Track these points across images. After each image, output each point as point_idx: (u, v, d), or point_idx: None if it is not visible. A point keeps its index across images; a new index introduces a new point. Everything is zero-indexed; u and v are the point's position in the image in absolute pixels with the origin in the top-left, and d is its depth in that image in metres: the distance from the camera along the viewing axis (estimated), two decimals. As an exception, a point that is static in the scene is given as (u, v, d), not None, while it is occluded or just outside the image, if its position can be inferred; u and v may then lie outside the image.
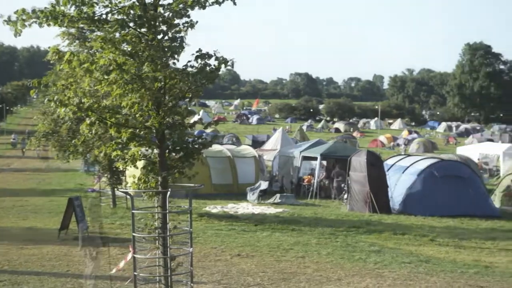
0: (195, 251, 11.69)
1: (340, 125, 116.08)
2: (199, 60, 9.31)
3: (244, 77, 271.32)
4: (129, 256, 9.87)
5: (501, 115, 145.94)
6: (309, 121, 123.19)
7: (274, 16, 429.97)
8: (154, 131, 9.26)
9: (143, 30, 9.08)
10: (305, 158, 30.65)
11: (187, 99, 9.72)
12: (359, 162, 23.90)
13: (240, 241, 16.51)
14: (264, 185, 27.65)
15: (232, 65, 9.31)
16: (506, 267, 14.16)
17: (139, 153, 9.58)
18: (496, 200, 25.68)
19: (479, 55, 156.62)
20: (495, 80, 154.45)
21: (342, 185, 26.59)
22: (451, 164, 26.24)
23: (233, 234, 17.76)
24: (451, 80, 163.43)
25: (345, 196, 25.18)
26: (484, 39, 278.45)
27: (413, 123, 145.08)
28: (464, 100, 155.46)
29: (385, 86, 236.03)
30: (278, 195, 26.36)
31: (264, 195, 27.00)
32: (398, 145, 72.72)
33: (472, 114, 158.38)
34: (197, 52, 9.30)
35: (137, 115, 9.19)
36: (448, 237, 18.17)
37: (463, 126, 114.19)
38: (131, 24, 9.00)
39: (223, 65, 9.22)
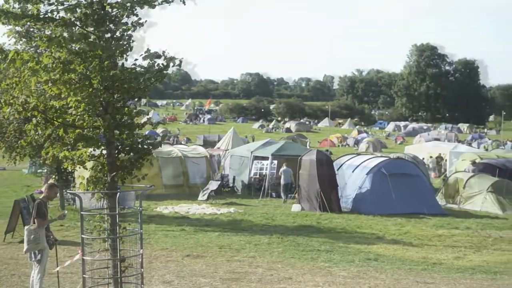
0: (145, 253, 11.56)
1: (292, 125, 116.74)
2: (147, 60, 9.21)
3: (195, 77, 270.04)
4: (77, 257, 9.69)
5: (447, 114, 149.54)
6: (261, 121, 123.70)
7: (226, 16, 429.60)
8: (102, 131, 9.12)
9: (90, 28, 8.92)
10: (256, 158, 30.70)
11: (136, 99, 9.61)
12: (309, 161, 24.08)
13: (191, 242, 16.43)
14: (215, 185, 27.57)
15: (180, 65, 9.25)
16: (452, 263, 14.48)
17: (88, 153, 9.43)
18: (442, 198, 26.33)
19: (426, 56, 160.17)
20: (441, 80, 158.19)
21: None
22: (399, 162, 26.69)
23: (184, 234, 17.66)
24: (399, 81, 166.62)
25: (290, 195, 25.53)
26: (431, 40, 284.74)
27: (362, 123, 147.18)
28: (411, 100, 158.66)
29: (335, 86, 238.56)
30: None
31: (215, 195, 26.93)
32: (347, 144, 73.77)
33: (419, 114, 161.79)
34: (145, 52, 9.20)
35: (84, 115, 9.04)
36: (397, 234, 18.48)
37: (411, 126, 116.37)
38: (78, 23, 8.84)
39: (171, 64, 9.14)
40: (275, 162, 29.76)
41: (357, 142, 72.10)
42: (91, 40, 8.75)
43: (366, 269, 13.50)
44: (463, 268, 13.93)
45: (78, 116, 9.05)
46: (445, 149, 43.33)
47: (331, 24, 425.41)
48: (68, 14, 8.71)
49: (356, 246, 16.43)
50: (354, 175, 24.89)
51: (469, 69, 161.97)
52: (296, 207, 23.81)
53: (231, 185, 30.50)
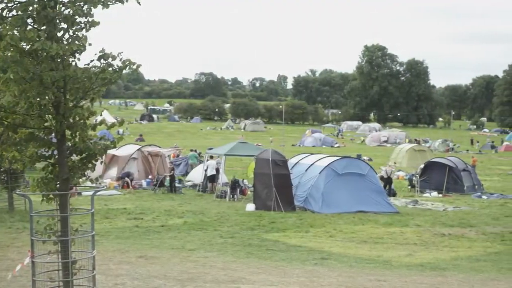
0: (98, 254, 11.41)
1: (247, 124, 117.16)
2: (102, 60, 9.09)
3: (148, 77, 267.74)
4: (27, 260, 9.51)
5: (398, 114, 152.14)
6: (228, 121, 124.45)
7: (180, 15, 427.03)
8: (54, 131, 8.96)
9: (42, 28, 8.76)
10: (212, 158, 30.66)
11: (89, 99, 9.47)
12: (264, 161, 24.18)
13: (145, 243, 16.30)
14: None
15: (137, 68, 9.19)
16: (403, 261, 14.76)
17: (38, 154, 9.25)
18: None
19: (377, 56, 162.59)
20: (392, 81, 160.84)
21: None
22: (351, 161, 27.04)
23: (137, 235, 17.50)
24: (351, 81, 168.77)
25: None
26: (381, 41, 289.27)
27: (315, 123, 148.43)
28: (363, 100, 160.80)
29: (289, 86, 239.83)
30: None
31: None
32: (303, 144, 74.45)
33: (371, 114, 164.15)
34: (100, 52, 9.08)
35: (35, 115, 8.87)
36: (349, 233, 18.71)
37: (363, 126, 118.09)
38: (30, 21, 8.67)
39: (127, 67, 9.05)
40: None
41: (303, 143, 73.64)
42: (43, 39, 8.59)
43: (319, 267, 13.64)
44: (413, 265, 14.22)
45: (29, 116, 8.88)
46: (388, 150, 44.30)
47: (285, 24, 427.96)
48: (20, 13, 8.53)
49: (310, 244, 16.58)
50: (307, 174, 25.09)
51: (419, 69, 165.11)
52: (250, 207, 23.86)
53: (167, 184, 30.19)
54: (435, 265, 14.30)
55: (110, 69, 9.05)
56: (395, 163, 34.60)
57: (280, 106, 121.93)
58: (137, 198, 26.71)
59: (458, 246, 17.07)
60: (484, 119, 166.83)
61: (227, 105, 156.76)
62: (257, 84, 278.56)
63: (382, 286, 12.15)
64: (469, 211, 24.55)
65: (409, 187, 31.49)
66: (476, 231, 19.55)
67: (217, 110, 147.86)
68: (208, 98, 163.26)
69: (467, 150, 75.00)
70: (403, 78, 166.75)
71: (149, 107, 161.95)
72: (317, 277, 12.64)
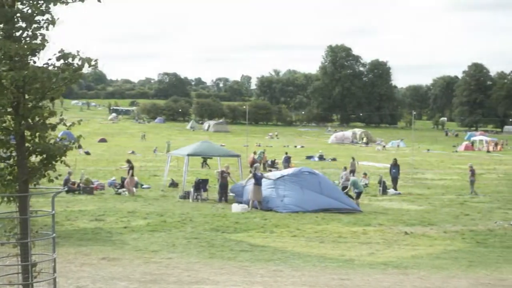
0: (59, 257, 11.25)
1: (211, 124, 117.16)
2: (61, 60, 8.96)
3: (111, 77, 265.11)
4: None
5: (361, 114, 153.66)
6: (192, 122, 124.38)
7: (142, 13, 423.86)
8: (13, 132, 8.80)
9: (0, 26, 8.59)
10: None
11: (49, 99, 9.31)
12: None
13: (107, 244, 16.13)
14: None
15: (96, 65, 9.05)
16: (366, 259, 14.91)
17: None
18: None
19: (340, 57, 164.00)
20: (355, 81, 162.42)
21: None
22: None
23: (100, 237, 17.31)
24: (315, 81, 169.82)
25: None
26: (345, 41, 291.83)
27: (279, 123, 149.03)
28: (326, 101, 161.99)
29: (253, 86, 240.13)
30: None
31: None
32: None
33: (334, 114, 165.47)
34: (59, 51, 8.94)
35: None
36: (313, 232, 18.82)
37: (328, 126, 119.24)
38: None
39: (86, 65, 8.92)
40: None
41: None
42: (1, 38, 8.43)
43: (283, 267, 13.69)
44: (376, 263, 14.37)
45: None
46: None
47: (248, 24, 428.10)
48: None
49: (274, 244, 16.63)
50: (272, 174, 25.18)
51: (381, 70, 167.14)
52: (236, 207, 23.79)
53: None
54: (397, 263, 14.48)
55: (70, 68, 8.92)
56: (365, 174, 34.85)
57: (244, 107, 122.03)
58: (99, 199, 26.43)
59: (420, 244, 17.32)
60: (444, 119, 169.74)
61: (191, 106, 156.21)
62: (221, 85, 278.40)
63: (345, 285, 12.25)
64: (430, 210, 24.92)
65: (380, 188, 31.61)
66: (437, 230, 19.87)
67: (180, 110, 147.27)
68: (172, 98, 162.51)
69: (428, 150, 76.21)
70: (365, 78, 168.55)
71: (111, 107, 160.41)
72: (280, 277, 12.68)
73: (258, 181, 24.50)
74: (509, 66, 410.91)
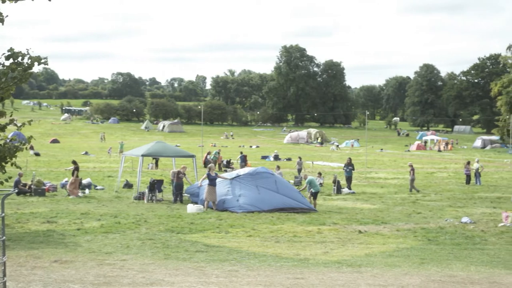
0: (9, 260, 11.03)
1: (166, 124, 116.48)
2: (10, 59, 8.77)
3: (63, 76, 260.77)
4: None
5: (315, 114, 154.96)
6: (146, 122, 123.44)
7: (94, 12, 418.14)
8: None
9: None
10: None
11: (-2, 99, 9.12)
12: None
13: (60, 247, 15.84)
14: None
15: (46, 63, 8.89)
16: (320, 258, 15.02)
17: None
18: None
19: (295, 57, 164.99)
20: (309, 81, 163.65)
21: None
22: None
23: (52, 239, 16.99)
24: (270, 82, 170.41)
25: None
26: (299, 42, 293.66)
27: (234, 123, 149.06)
28: (281, 101, 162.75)
29: (208, 86, 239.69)
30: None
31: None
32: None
33: (289, 114, 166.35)
34: (8, 50, 8.74)
35: None
36: (268, 232, 18.87)
37: (283, 126, 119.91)
38: None
39: (36, 64, 8.76)
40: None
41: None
42: None
43: (238, 267, 13.68)
44: (330, 262, 14.50)
45: None
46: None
47: (203, 23, 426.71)
48: None
49: (229, 245, 16.61)
50: (228, 174, 25.16)
51: (335, 70, 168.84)
52: (191, 208, 23.63)
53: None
54: (351, 261, 14.64)
55: (20, 67, 8.75)
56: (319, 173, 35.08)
57: (199, 107, 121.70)
58: (51, 201, 25.96)
59: (373, 242, 17.55)
60: (397, 118, 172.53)
61: (145, 106, 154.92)
62: (176, 85, 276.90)
63: (300, 284, 12.31)
64: (383, 209, 25.29)
65: (335, 187, 31.89)
66: (389, 228, 20.17)
67: (135, 110, 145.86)
68: (126, 98, 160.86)
69: (381, 149, 77.33)
70: (320, 79, 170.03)
71: (64, 108, 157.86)
72: (236, 277, 12.67)
73: (212, 181, 24.44)
74: (459, 66, 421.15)
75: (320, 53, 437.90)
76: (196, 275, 12.77)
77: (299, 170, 39.54)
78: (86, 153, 59.80)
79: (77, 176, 28.07)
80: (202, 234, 18.25)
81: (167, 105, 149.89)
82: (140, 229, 19.02)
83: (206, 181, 24.75)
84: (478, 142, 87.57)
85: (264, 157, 57.92)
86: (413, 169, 33.02)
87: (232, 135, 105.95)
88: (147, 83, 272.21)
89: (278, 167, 34.30)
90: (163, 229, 18.96)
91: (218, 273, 13.02)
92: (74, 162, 28.91)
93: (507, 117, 77.84)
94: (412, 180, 32.76)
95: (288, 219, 21.64)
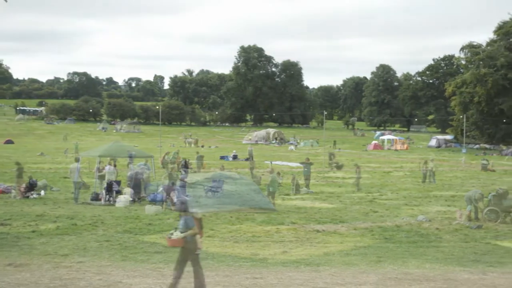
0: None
1: (123, 125, 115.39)
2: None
3: (17, 76, 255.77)
4: None
5: (274, 114, 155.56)
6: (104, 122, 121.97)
7: (51, 11, 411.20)
8: None
9: None
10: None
11: None
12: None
13: (14, 250, 15.53)
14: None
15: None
16: (279, 258, 15.09)
17: None
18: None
19: (253, 57, 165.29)
20: (267, 81, 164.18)
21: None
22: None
23: (5, 242, 16.64)
24: (228, 82, 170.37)
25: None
26: (257, 42, 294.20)
27: (193, 124, 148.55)
28: (239, 101, 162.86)
29: (166, 86, 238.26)
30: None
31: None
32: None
33: (248, 114, 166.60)
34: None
35: None
36: (227, 232, 18.86)
37: (242, 126, 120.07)
38: None
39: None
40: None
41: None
42: None
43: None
44: (288, 261, 14.57)
45: None
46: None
47: (161, 23, 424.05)
48: None
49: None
50: (188, 176, 25.07)
51: (293, 70, 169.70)
52: (149, 209, 23.41)
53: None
54: (309, 261, 14.75)
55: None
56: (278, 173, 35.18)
57: (157, 107, 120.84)
58: (5, 203, 25.42)
59: (331, 241, 17.70)
60: (354, 118, 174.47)
61: (102, 106, 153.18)
62: (133, 84, 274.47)
63: (259, 283, 12.35)
64: (341, 208, 25.53)
65: (293, 187, 31.99)
66: (347, 227, 20.37)
67: (91, 110, 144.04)
68: (82, 98, 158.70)
69: (339, 149, 78.06)
70: (278, 79, 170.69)
71: (18, 108, 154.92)
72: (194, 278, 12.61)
73: (173, 183, 24.40)
74: (414, 67, 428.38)
75: (278, 53, 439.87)
76: (154, 277, 12.69)
77: (251, 169, 39.89)
78: (42, 154, 58.75)
79: (21, 177, 27.74)
80: (160, 235, 18.11)
81: (124, 105, 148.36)
82: (97, 230, 18.78)
83: (166, 182, 24.70)
84: (433, 142, 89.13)
85: (222, 157, 57.84)
86: (359, 168, 34.11)
87: (190, 135, 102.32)
88: (104, 83, 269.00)
89: (278, 174, 34.07)
90: (120, 231, 18.76)
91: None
92: (17, 164, 28.66)
93: (461, 117, 79.48)
94: (358, 179, 33.56)
95: (247, 219, 21.65)
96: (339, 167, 46.01)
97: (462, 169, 50.02)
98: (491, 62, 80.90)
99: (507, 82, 78.35)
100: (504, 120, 79.17)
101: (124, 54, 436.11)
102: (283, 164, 50.90)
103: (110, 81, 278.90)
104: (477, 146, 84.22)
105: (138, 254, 15.14)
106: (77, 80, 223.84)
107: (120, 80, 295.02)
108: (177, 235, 11.43)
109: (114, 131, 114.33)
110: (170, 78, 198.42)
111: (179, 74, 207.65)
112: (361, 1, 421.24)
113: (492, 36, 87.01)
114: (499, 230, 20.23)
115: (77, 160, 27.49)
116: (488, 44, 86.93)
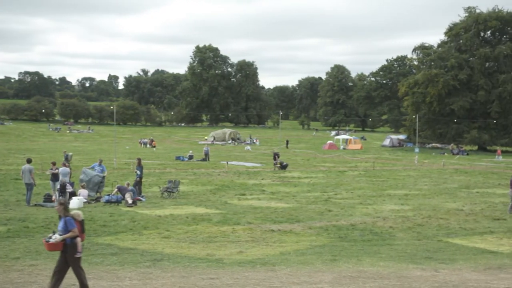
0: None
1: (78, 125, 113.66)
2: None
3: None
4: None
5: (229, 114, 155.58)
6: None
7: (3, 9, 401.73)
8: None
9: None
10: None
11: None
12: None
13: (-38, 254, 15.13)
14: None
15: None
16: (235, 258, 15.08)
17: None
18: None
19: (208, 57, 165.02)
20: (222, 81, 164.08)
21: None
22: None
23: (-46, 246, 16.21)
24: (184, 82, 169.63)
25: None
26: (212, 42, 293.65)
27: (148, 124, 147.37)
28: (194, 101, 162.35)
29: (121, 86, 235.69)
30: None
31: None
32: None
33: (203, 114, 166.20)
34: None
35: None
36: (183, 233, 18.75)
37: (196, 126, 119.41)
38: None
39: None
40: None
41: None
42: None
43: (153, 269, 13.53)
44: (244, 261, 14.58)
45: None
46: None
47: (114, 22, 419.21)
48: None
49: (143, 247, 16.39)
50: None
51: (248, 70, 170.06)
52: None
53: None
54: (265, 260, 14.78)
55: None
56: None
57: (111, 107, 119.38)
58: (-46, 206, 24.74)
59: (287, 241, 17.79)
60: (310, 118, 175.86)
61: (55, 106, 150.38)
62: (87, 84, 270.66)
63: (215, 284, 12.32)
64: (297, 207, 25.67)
65: None
66: (303, 226, 20.50)
67: (44, 111, 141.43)
68: (34, 98, 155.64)
69: (294, 150, 78.49)
70: (233, 79, 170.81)
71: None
72: (150, 279, 12.53)
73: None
74: (368, 67, 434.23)
75: (234, 54, 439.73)
76: (108, 279, 12.53)
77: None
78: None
79: None
80: (115, 237, 17.92)
81: (78, 105, 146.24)
82: (49, 233, 18.39)
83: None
84: (387, 141, 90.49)
85: (178, 158, 57.50)
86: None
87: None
88: (57, 82, 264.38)
89: None
90: (74, 233, 18.44)
91: (131, 275, 12.84)
92: None
93: (413, 116, 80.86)
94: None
95: (203, 220, 21.59)
96: (283, 167, 46.12)
97: (415, 168, 50.90)
98: (442, 63, 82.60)
99: (458, 83, 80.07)
100: (455, 120, 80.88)
101: (77, 54, 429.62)
102: (239, 164, 50.89)
103: (63, 80, 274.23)
104: (429, 145, 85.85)
105: (92, 256, 14.93)
106: (29, 80, 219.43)
107: (73, 80, 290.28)
108: (55, 238, 11.00)
109: (68, 131, 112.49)
110: (125, 78, 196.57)
111: (134, 74, 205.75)
112: (316, 2, 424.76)
113: (443, 37, 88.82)
114: (450, 227, 20.68)
115: (28, 161, 26.93)
116: (439, 45, 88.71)
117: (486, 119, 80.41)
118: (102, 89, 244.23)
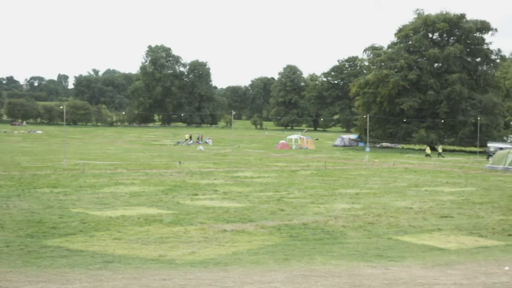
0: None
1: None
2: None
3: None
4: None
5: (182, 114, 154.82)
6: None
7: None
8: None
9: None
10: None
11: None
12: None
13: None
14: None
15: None
16: (187, 259, 15.01)
17: None
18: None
19: (161, 57, 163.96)
20: (175, 81, 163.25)
21: None
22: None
23: None
24: (135, 81, 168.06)
25: None
26: (165, 42, 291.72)
27: (99, 124, 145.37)
28: (147, 101, 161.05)
29: (71, 86, 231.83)
30: None
31: None
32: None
33: (156, 114, 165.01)
34: None
35: None
36: (135, 234, 18.56)
37: (148, 126, 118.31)
38: None
39: None
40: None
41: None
42: None
43: (104, 271, 13.35)
44: (197, 262, 14.53)
45: None
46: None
47: (67, 21, 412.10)
48: None
49: (93, 248, 16.16)
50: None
51: (201, 70, 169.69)
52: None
53: None
54: (218, 260, 14.76)
55: None
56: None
57: (61, 107, 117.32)
58: None
59: (239, 241, 17.79)
60: (262, 118, 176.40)
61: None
62: (36, 84, 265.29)
63: (167, 285, 12.24)
64: (250, 207, 25.71)
65: None
66: (255, 226, 20.54)
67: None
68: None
69: (247, 150, 78.66)
70: (186, 79, 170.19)
71: None
72: (101, 281, 12.36)
73: None
74: (320, 67, 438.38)
75: (187, 53, 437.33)
76: (57, 281, 12.31)
77: None
78: None
79: None
80: (64, 239, 17.61)
81: (26, 105, 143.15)
82: (-3, 235, 18.00)
83: None
84: (338, 141, 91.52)
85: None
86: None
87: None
88: (4, 82, 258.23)
89: None
90: (22, 235, 18.07)
91: (82, 278, 12.63)
92: None
93: (364, 116, 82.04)
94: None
95: (155, 220, 21.41)
96: None
97: (366, 167, 51.62)
98: (392, 64, 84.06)
99: (407, 83, 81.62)
100: (405, 120, 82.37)
101: (25, 52, 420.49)
102: (191, 164, 50.66)
103: (10, 80, 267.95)
104: (379, 145, 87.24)
105: (41, 259, 14.63)
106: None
107: (21, 79, 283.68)
108: None
109: (15, 132, 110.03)
110: (75, 77, 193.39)
111: (84, 73, 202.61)
112: (271, 1, 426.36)
113: (393, 38, 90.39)
114: (400, 225, 21.05)
115: None
116: (389, 46, 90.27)
117: (434, 119, 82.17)
118: (52, 89, 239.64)
